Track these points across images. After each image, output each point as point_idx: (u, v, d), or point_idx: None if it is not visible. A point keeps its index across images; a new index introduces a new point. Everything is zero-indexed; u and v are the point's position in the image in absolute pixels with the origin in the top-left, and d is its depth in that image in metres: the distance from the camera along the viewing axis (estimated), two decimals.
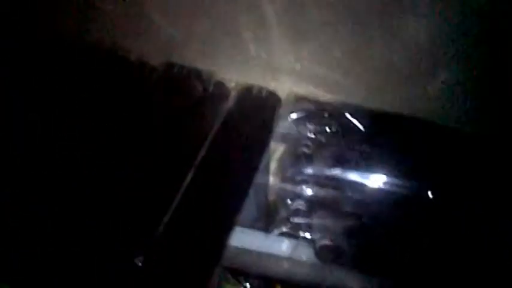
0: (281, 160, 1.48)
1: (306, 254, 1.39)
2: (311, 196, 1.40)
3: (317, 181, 1.40)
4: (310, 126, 1.41)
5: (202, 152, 1.23)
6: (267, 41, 1.25)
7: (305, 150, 1.43)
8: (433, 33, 1.15)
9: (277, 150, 1.48)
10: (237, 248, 1.37)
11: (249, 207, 1.34)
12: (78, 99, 1.34)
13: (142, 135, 1.26)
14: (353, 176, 1.37)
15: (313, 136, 1.41)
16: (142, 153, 1.24)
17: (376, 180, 1.36)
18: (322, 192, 1.38)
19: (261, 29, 1.23)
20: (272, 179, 1.46)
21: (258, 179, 1.26)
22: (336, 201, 1.40)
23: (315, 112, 1.40)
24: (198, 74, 1.37)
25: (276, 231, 1.42)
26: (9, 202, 1.11)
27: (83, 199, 1.14)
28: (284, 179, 1.44)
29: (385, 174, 1.36)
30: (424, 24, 1.14)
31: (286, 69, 1.31)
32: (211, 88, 1.38)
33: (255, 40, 1.26)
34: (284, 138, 1.45)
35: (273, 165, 1.48)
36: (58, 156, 1.21)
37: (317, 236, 1.36)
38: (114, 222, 1.12)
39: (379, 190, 1.36)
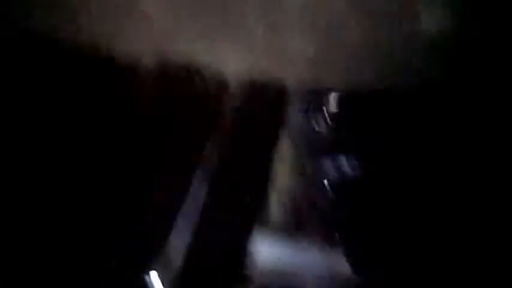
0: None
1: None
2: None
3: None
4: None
5: (211, 157, 1.07)
6: (277, 28, 1.08)
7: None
8: None
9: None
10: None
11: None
12: (61, 107, 1.16)
13: (142, 143, 1.11)
14: None
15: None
16: (145, 161, 1.08)
17: None
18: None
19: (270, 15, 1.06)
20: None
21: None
22: None
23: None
24: (196, 71, 1.21)
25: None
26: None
27: (88, 211, 1.04)
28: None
29: None
30: None
31: (296, 58, 1.15)
32: (212, 85, 1.23)
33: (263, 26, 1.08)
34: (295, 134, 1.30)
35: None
36: (56, 164, 1.09)
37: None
38: (122, 235, 1.02)
39: None
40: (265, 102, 1.23)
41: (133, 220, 1.04)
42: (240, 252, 1.12)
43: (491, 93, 1.00)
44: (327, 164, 1.27)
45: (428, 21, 0.96)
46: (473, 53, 0.96)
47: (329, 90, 1.22)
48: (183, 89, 1.21)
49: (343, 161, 1.24)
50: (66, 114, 1.19)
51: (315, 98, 1.25)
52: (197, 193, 1.10)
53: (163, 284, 0.99)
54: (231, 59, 1.08)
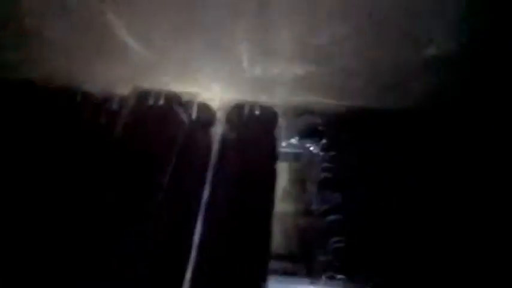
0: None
1: None
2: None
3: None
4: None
5: (207, 190, 1.03)
6: (263, 47, 1.13)
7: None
8: None
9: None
10: None
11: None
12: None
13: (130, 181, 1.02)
14: None
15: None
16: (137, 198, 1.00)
17: None
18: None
19: (256, 35, 1.11)
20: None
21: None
22: None
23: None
24: (177, 99, 1.18)
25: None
26: None
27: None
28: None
29: None
30: None
31: (284, 78, 1.22)
32: (195, 112, 1.17)
33: (247, 49, 1.14)
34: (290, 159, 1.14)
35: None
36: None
37: None
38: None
39: None
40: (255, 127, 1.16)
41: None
42: None
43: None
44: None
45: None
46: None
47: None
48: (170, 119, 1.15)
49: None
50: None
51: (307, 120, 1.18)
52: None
53: None
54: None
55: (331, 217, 1.02)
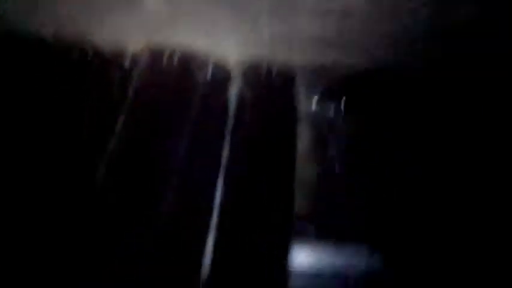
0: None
1: None
2: None
3: None
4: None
5: (226, 151, 0.98)
6: (283, 1, 1.07)
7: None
8: None
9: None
10: None
11: None
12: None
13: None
14: None
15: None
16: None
17: None
18: None
19: None
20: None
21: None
22: None
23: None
24: (192, 58, 1.13)
25: None
26: None
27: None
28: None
29: None
30: None
31: (304, 36, 1.16)
32: (210, 72, 1.12)
33: (267, 3, 1.08)
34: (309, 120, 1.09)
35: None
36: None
37: None
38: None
39: None
40: (273, 87, 1.11)
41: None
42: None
43: None
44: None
45: None
46: None
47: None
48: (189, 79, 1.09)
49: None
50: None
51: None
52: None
53: None
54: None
55: (352, 179, 0.98)
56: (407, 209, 0.95)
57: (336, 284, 0.85)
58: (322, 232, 0.91)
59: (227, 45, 1.14)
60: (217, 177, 0.93)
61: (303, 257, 0.84)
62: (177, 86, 1.06)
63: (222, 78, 1.09)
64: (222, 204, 0.88)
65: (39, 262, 0.82)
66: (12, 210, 0.87)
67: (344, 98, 1.09)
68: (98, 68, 1.08)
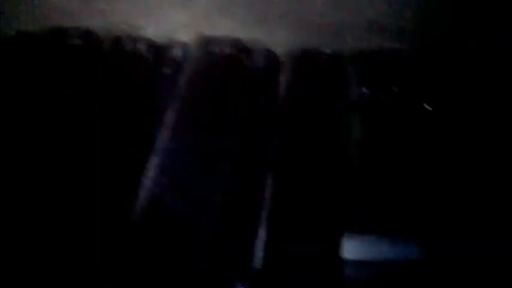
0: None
1: None
2: None
3: None
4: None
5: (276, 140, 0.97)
6: None
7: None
8: None
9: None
10: None
11: None
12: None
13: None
14: None
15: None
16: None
17: None
18: None
19: None
20: None
21: None
22: None
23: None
24: (240, 45, 1.13)
25: None
26: None
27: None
28: None
29: None
30: None
31: (354, 22, 1.15)
32: (259, 60, 1.12)
33: None
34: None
35: None
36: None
37: None
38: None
39: None
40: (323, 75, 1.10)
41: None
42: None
43: None
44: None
45: None
46: None
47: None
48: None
49: None
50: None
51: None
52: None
53: None
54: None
55: (405, 168, 0.96)
56: (459, 200, 0.92)
57: (389, 273, 0.84)
58: (375, 222, 0.89)
59: (277, 34, 1.14)
60: (267, 167, 0.93)
61: (355, 247, 0.83)
62: (227, 73, 1.06)
63: (272, 66, 1.09)
64: (273, 196, 0.88)
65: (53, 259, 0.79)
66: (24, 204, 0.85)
67: (395, 83, 1.07)
68: (150, 61, 1.09)
